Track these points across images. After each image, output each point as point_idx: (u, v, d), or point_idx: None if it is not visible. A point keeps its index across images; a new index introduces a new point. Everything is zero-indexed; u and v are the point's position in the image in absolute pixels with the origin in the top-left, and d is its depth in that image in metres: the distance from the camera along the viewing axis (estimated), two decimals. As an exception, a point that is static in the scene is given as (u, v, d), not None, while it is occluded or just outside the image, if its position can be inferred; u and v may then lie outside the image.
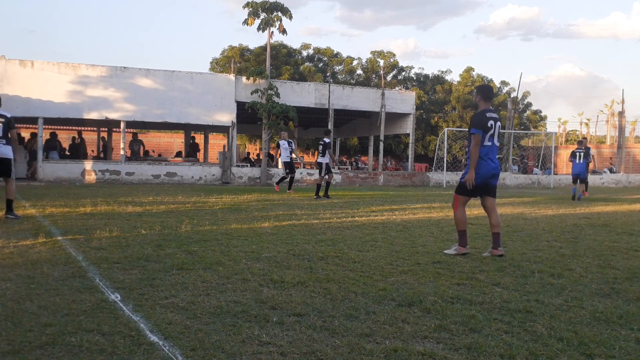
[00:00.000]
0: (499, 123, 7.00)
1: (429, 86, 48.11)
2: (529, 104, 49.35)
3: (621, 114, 34.87)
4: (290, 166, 18.47)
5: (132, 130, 29.39)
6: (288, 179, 18.43)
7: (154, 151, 36.29)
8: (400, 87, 43.31)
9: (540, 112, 51.63)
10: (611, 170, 34.07)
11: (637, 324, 4.14)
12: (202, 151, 32.50)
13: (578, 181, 17.77)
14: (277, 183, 19.29)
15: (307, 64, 43.74)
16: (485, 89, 7.31)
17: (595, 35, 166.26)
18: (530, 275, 5.76)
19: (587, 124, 78.96)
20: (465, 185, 6.95)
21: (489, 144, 6.92)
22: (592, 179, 28.80)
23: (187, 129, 31.28)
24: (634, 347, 3.67)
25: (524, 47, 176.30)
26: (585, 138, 35.95)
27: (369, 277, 5.52)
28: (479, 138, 6.87)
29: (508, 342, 3.69)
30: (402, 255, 6.79)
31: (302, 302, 4.56)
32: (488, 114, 6.98)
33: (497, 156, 7.32)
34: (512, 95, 41.94)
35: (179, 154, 30.63)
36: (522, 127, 45.80)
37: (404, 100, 28.81)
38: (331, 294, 4.85)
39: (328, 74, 44.04)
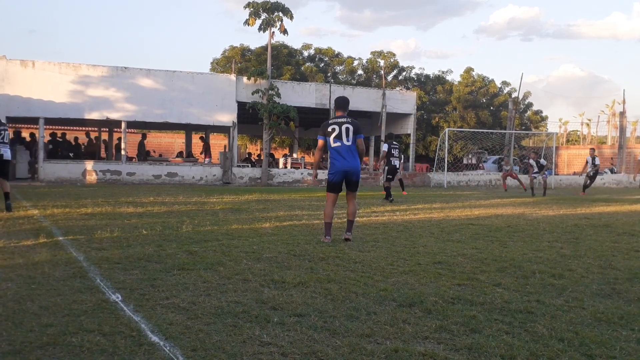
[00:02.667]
0: (345, 125, 7.72)
1: (430, 86, 48.08)
2: (530, 104, 49.31)
3: (622, 114, 34.86)
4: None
5: (133, 130, 29.40)
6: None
7: (154, 151, 36.33)
8: (401, 88, 43.29)
9: (541, 112, 51.53)
10: (612, 171, 34.04)
11: (638, 325, 4.14)
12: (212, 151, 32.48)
13: None
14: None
15: (308, 64, 43.73)
16: (337, 100, 8.09)
17: (595, 36, 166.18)
18: (531, 276, 5.76)
19: (588, 125, 78.80)
20: (330, 183, 7.88)
21: (338, 144, 7.73)
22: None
23: (188, 129, 31.29)
24: (635, 347, 3.67)
25: (524, 47, 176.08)
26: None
27: (370, 278, 5.53)
28: (321, 143, 7.95)
29: (509, 343, 3.69)
30: (403, 256, 6.80)
31: (302, 302, 4.56)
32: (332, 121, 7.88)
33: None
34: (513, 96, 41.92)
35: (180, 154, 30.67)
36: (523, 128, 45.78)
37: (404, 101, 28.80)
38: (332, 294, 4.85)
39: (329, 74, 44.05)
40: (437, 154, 29.06)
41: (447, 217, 11.51)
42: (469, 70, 47.47)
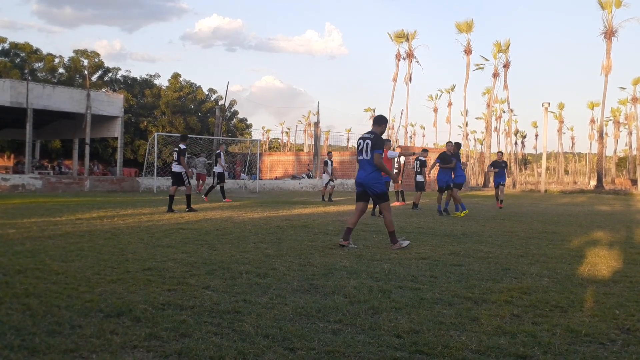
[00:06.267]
0: (367, 140, 8.35)
1: (138, 89, 47.15)
2: (236, 112, 51.45)
3: (317, 124, 38.30)
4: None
5: None
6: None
7: None
8: (107, 89, 41.58)
9: (246, 120, 54.17)
10: (309, 176, 37.12)
11: (333, 317, 4.54)
12: None
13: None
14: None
15: (2, 59, 39.65)
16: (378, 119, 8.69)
17: (293, 51, 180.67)
18: (239, 277, 5.97)
19: (287, 133, 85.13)
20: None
21: (359, 157, 8.48)
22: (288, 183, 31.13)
23: None
24: (331, 338, 4.02)
25: (229, 57, 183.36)
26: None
27: (74, 289, 5.18)
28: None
29: (218, 344, 3.77)
30: (111, 264, 6.52)
31: (-6, 322, 4.09)
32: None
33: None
34: (219, 103, 43.24)
35: None
36: (230, 134, 47.49)
37: (111, 103, 27.79)
38: (31, 309, 4.44)
39: (26, 71, 40.39)
40: (146, 159, 28.51)
41: (156, 222, 11.37)
42: (176, 76, 47.71)
